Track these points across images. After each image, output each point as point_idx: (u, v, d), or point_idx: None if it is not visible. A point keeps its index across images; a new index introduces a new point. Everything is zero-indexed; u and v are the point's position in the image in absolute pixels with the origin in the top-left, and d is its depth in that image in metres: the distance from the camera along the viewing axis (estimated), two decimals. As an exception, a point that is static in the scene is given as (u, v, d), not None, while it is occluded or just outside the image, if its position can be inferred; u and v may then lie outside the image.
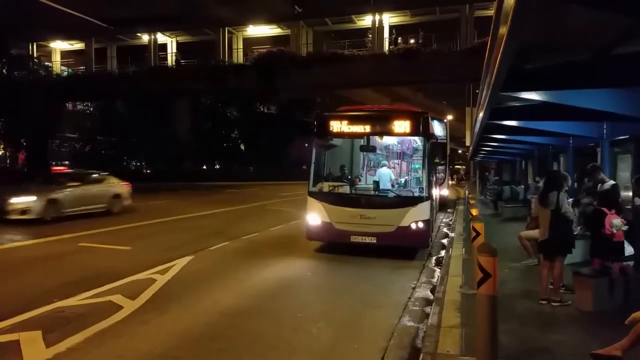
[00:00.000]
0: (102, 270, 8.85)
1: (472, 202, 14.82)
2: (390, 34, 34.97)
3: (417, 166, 12.20)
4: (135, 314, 6.50)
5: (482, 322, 4.47)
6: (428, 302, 7.39)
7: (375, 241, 10.24)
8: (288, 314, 6.79)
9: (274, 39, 39.23)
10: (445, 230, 16.35)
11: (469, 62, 24.26)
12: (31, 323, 5.98)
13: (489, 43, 7.61)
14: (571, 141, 14.63)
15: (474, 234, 7.78)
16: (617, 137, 11.12)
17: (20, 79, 38.44)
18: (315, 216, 10.74)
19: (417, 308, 7.21)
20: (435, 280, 8.94)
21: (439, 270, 9.69)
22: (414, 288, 8.31)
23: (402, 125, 10.46)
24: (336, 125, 10.85)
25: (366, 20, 35.94)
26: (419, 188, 10.86)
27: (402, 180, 12.89)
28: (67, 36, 41.95)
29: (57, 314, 6.39)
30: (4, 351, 5.16)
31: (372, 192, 11.07)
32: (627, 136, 10.90)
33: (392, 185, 11.92)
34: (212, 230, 14.66)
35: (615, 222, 6.83)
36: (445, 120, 25.93)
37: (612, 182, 8.81)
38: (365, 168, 13.93)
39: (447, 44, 33.51)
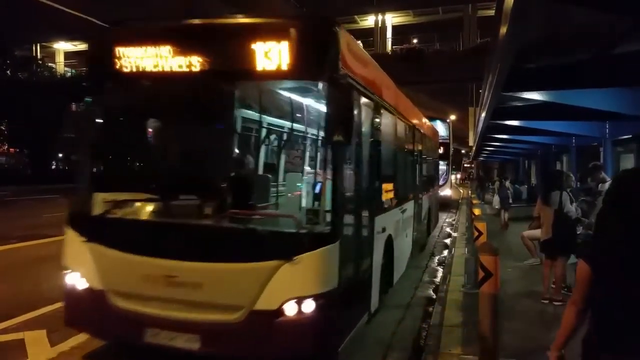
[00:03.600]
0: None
1: (474, 202, 14.84)
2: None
3: (306, 155, 6.02)
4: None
5: (483, 321, 4.49)
6: (431, 301, 7.42)
7: (197, 347, 4.28)
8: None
9: (277, 40, 39.24)
10: (448, 230, 16.39)
11: (472, 62, 24.33)
12: (36, 322, 6.03)
13: (490, 43, 7.65)
14: (574, 141, 14.67)
15: (476, 233, 7.81)
16: (619, 137, 11.13)
17: (23, 81, 38.64)
18: (76, 276, 4.77)
19: (420, 307, 7.23)
20: (438, 279, 8.97)
21: (441, 270, 9.72)
22: (416, 288, 8.34)
23: (274, 53, 4.26)
24: (129, 57, 4.68)
25: (369, 21, 36.03)
26: (314, 212, 4.59)
27: (278, 190, 6.48)
28: (71, 37, 42.16)
29: (61, 313, 6.40)
30: (9, 350, 5.20)
31: (202, 220, 4.79)
32: (629, 135, 10.91)
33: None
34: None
35: None
36: (448, 120, 25.97)
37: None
38: (202, 161, 5.89)
39: (450, 44, 33.60)
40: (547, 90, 8.16)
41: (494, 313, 4.48)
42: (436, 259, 11.14)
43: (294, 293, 4.13)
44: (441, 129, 21.93)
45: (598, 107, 8.37)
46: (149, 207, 5.13)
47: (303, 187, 5.66)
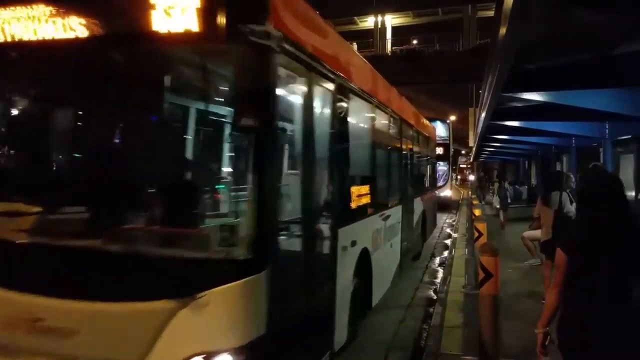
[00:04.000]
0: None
1: (474, 202, 14.86)
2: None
3: (227, 148, 3.71)
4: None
5: (484, 322, 4.48)
6: (431, 302, 7.42)
7: None
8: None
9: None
10: (448, 230, 16.39)
11: (472, 62, 24.37)
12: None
13: (489, 44, 7.65)
14: (574, 141, 14.69)
15: (476, 234, 7.81)
16: (619, 137, 11.15)
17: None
18: None
19: (421, 308, 7.23)
20: (438, 280, 8.97)
21: (442, 270, 9.71)
22: (416, 289, 8.33)
23: (172, 6, 2.93)
24: None
25: (369, 22, 36.07)
26: (230, 228, 3.04)
27: (188, 196, 3.61)
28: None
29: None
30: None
31: (77, 240, 3.25)
32: (629, 136, 10.92)
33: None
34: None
35: None
36: (448, 121, 25.99)
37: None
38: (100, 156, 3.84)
39: (450, 45, 33.66)
40: (547, 91, 8.16)
41: (494, 314, 4.47)
42: (437, 259, 11.12)
43: (200, 346, 2.86)
44: (441, 129, 21.93)
45: (598, 107, 8.37)
46: (17, 222, 3.48)
47: (221, 192, 3.72)
